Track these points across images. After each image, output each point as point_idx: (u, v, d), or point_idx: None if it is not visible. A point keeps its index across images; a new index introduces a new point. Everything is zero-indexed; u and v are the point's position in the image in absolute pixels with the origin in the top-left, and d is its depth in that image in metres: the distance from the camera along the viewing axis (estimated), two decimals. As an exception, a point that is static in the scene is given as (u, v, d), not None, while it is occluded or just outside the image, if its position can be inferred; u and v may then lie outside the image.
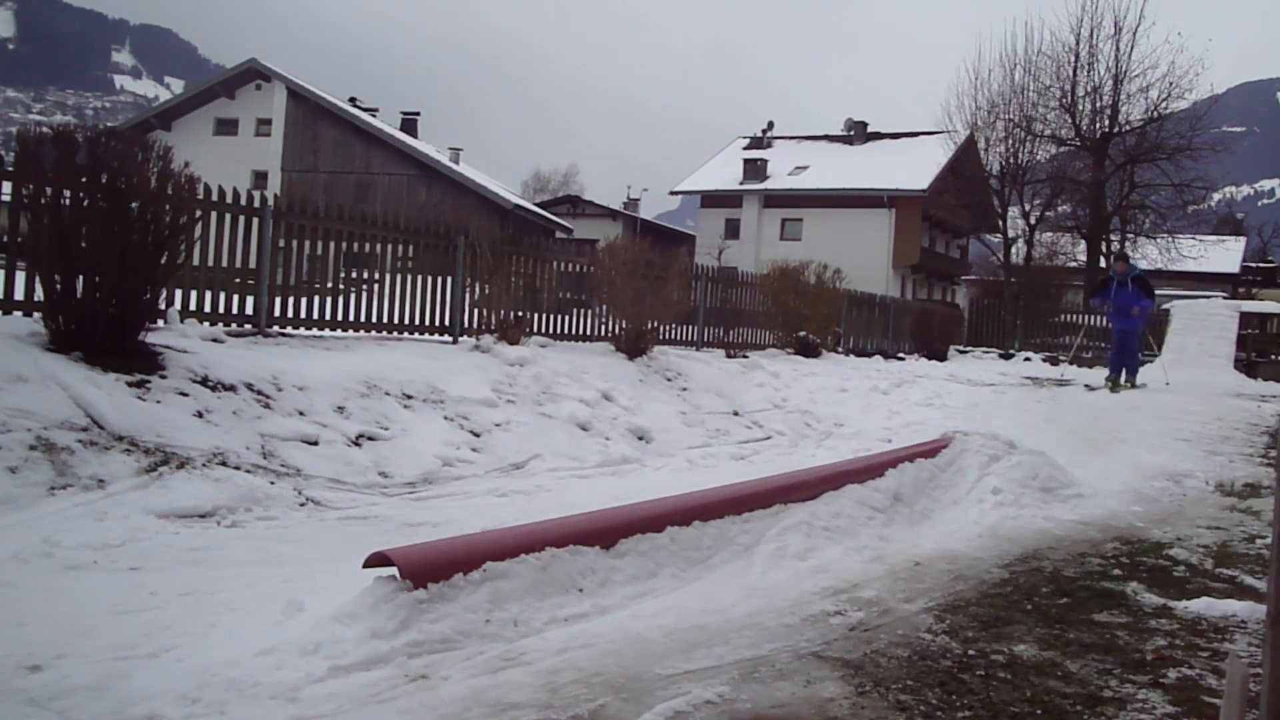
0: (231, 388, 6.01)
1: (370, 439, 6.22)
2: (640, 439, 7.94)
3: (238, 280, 8.17)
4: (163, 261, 5.98)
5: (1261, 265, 45.99)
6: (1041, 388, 13.32)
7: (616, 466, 7.09)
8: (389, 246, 9.51)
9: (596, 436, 7.62)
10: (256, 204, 8.25)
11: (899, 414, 10.62)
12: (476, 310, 9.94)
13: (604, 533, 3.73)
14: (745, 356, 12.48)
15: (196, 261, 7.50)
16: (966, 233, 38.40)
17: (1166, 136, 28.78)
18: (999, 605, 3.86)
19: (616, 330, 10.72)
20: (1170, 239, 31.30)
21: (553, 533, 3.59)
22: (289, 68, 37.91)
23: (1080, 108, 29.07)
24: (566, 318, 11.19)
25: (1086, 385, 12.97)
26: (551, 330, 10.78)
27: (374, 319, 9.13)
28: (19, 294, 6.32)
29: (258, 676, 2.55)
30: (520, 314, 10.00)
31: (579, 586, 3.41)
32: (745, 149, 47.40)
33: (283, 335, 8.11)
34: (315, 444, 5.83)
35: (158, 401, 5.49)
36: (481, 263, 9.92)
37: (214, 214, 7.81)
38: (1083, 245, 31.16)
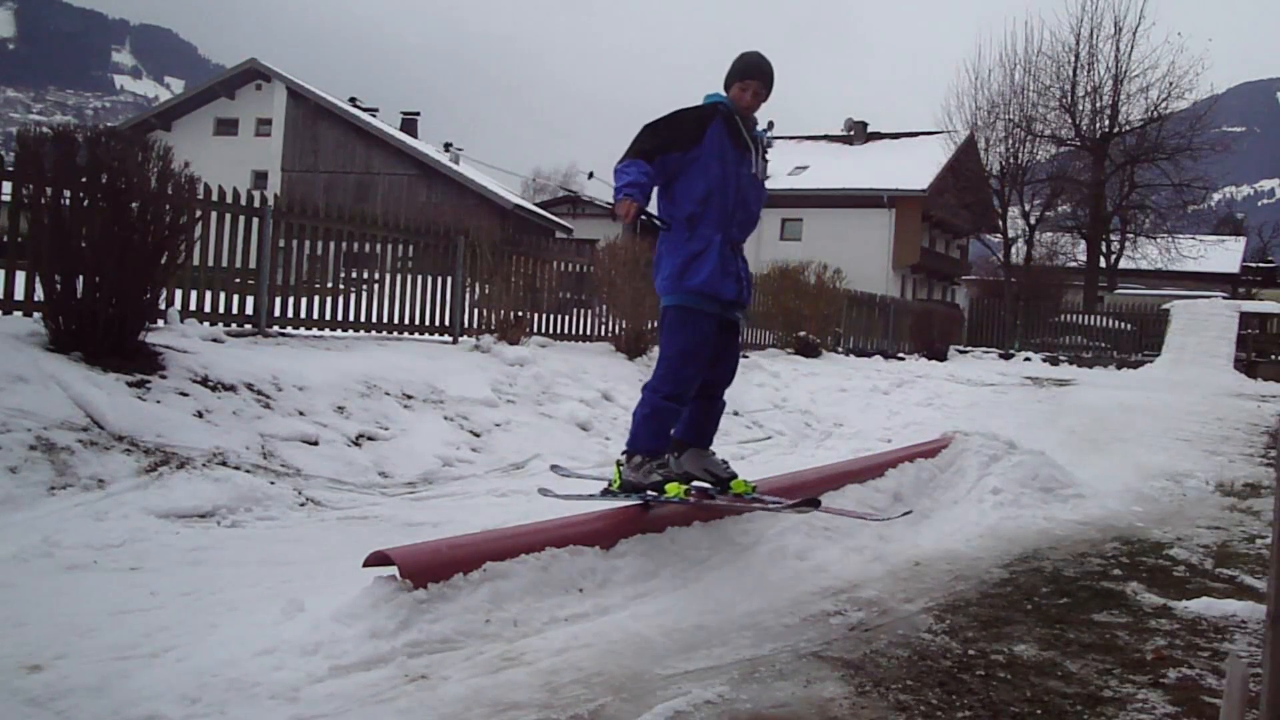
0: (231, 388, 6.01)
1: (370, 439, 6.22)
2: (640, 439, 7.93)
3: (238, 280, 8.17)
4: (163, 261, 5.98)
5: (1261, 265, 46.01)
6: (1041, 388, 13.31)
7: (616, 466, 7.08)
8: (389, 246, 9.51)
9: (596, 436, 7.61)
10: (256, 204, 8.26)
11: (899, 414, 10.62)
12: (476, 310, 9.94)
13: (604, 533, 3.73)
14: (745, 356, 12.47)
15: (196, 261, 7.51)
16: (966, 233, 38.46)
17: (1166, 136, 28.85)
18: (999, 605, 3.86)
19: (616, 330, 10.72)
20: (1170, 239, 31.37)
21: (553, 533, 3.59)
22: (289, 68, 37.89)
23: (1080, 108, 29.14)
24: (566, 318, 11.19)
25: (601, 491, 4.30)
26: (551, 330, 10.79)
27: (374, 319, 9.13)
28: (19, 294, 6.32)
29: (258, 677, 2.55)
30: (520, 314, 10.00)
31: (579, 586, 3.41)
32: (745, 149, 47.34)
33: (283, 335, 8.11)
34: (315, 444, 5.83)
35: (158, 401, 5.49)
36: (481, 263, 9.92)
37: (214, 214, 7.82)
38: (1083, 245, 31.22)
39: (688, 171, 3.97)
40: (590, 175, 37.44)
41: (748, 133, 4.12)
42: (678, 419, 4.11)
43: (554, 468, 5.43)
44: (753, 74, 4.13)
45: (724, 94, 4.12)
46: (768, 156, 4.31)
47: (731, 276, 4.00)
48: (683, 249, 3.98)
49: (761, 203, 4.22)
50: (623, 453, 4.12)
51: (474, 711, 2.50)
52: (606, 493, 4.12)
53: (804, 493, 4.51)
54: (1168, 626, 3.68)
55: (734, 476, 4.21)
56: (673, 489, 3.95)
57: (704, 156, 3.96)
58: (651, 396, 4.02)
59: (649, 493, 3.96)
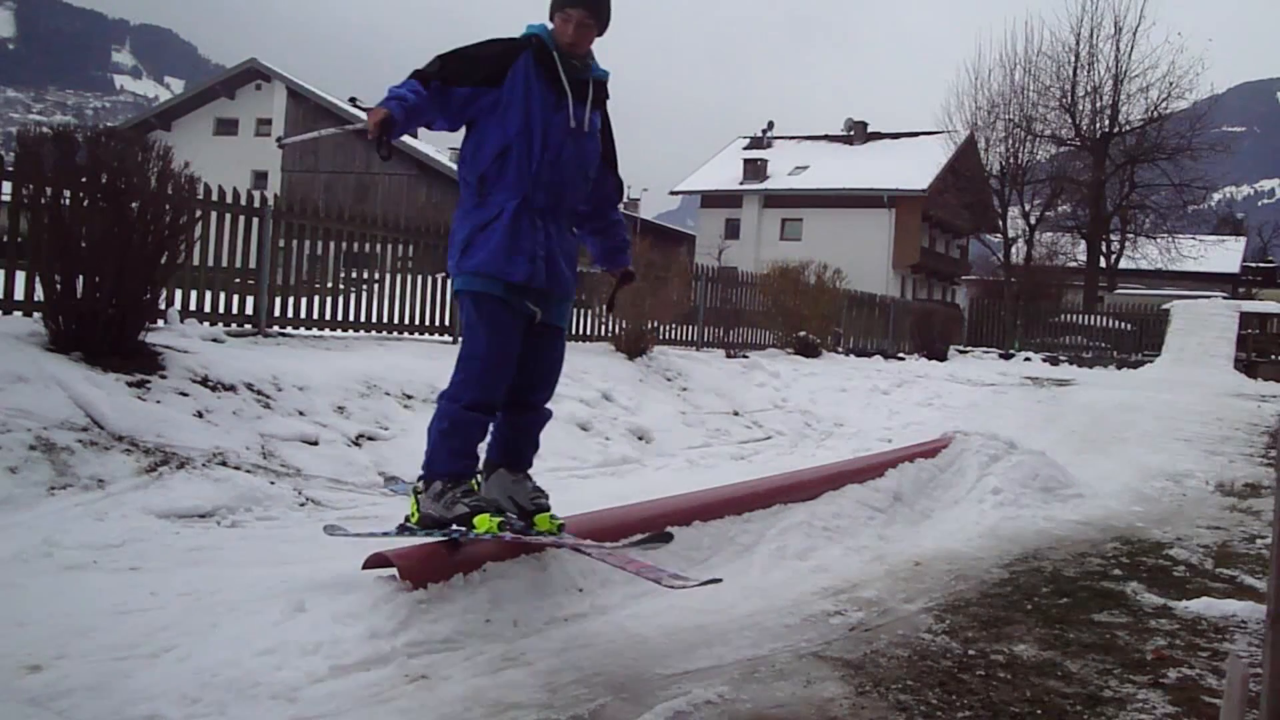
0: (231, 388, 6.01)
1: (370, 439, 6.22)
2: (640, 439, 7.94)
3: (238, 280, 8.17)
4: (163, 261, 5.98)
5: (1261, 265, 46.05)
6: (1041, 388, 13.32)
7: (616, 466, 7.08)
8: (389, 246, 9.51)
9: (596, 436, 7.61)
10: (256, 204, 8.26)
11: (899, 414, 10.62)
12: (476, 310, 9.92)
13: (604, 533, 3.72)
14: (745, 356, 12.48)
15: (196, 261, 7.51)
16: (966, 233, 38.49)
17: (1166, 136, 28.90)
18: (999, 605, 3.86)
19: (616, 330, 10.72)
20: (1170, 239, 31.40)
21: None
22: (289, 68, 37.95)
23: (1080, 108, 29.20)
24: (566, 318, 11.18)
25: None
26: (551, 330, 10.77)
27: (374, 319, 9.12)
28: (19, 294, 6.32)
29: (258, 676, 2.55)
30: (520, 314, 9.99)
31: (579, 586, 3.41)
32: (745, 149, 47.44)
33: (283, 335, 8.11)
34: (315, 444, 5.83)
35: (158, 401, 5.49)
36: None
37: (214, 214, 7.81)
38: (1083, 245, 31.24)
39: (484, 121, 3.21)
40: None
41: (569, 74, 3.25)
42: (485, 432, 3.38)
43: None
44: (581, 8, 3.24)
45: (548, 24, 3.30)
46: (603, 106, 3.42)
47: (523, 254, 3.16)
48: (469, 219, 3.23)
49: (586, 160, 3.33)
50: (419, 478, 3.37)
51: (474, 711, 2.50)
52: (404, 529, 3.36)
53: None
54: (1168, 626, 3.68)
55: (542, 510, 3.41)
56: (483, 523, 3.18)
57: (503, 102, 3.17)
58: (450, 407, 3.26)
59: (454, 528, 3.19)
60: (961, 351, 20.13)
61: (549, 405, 3.55)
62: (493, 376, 3.24)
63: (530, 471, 3.56)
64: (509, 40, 3.27)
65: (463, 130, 3.32)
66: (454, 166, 37.11)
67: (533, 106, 3.17)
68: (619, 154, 3.55)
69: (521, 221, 3.18)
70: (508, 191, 3.19)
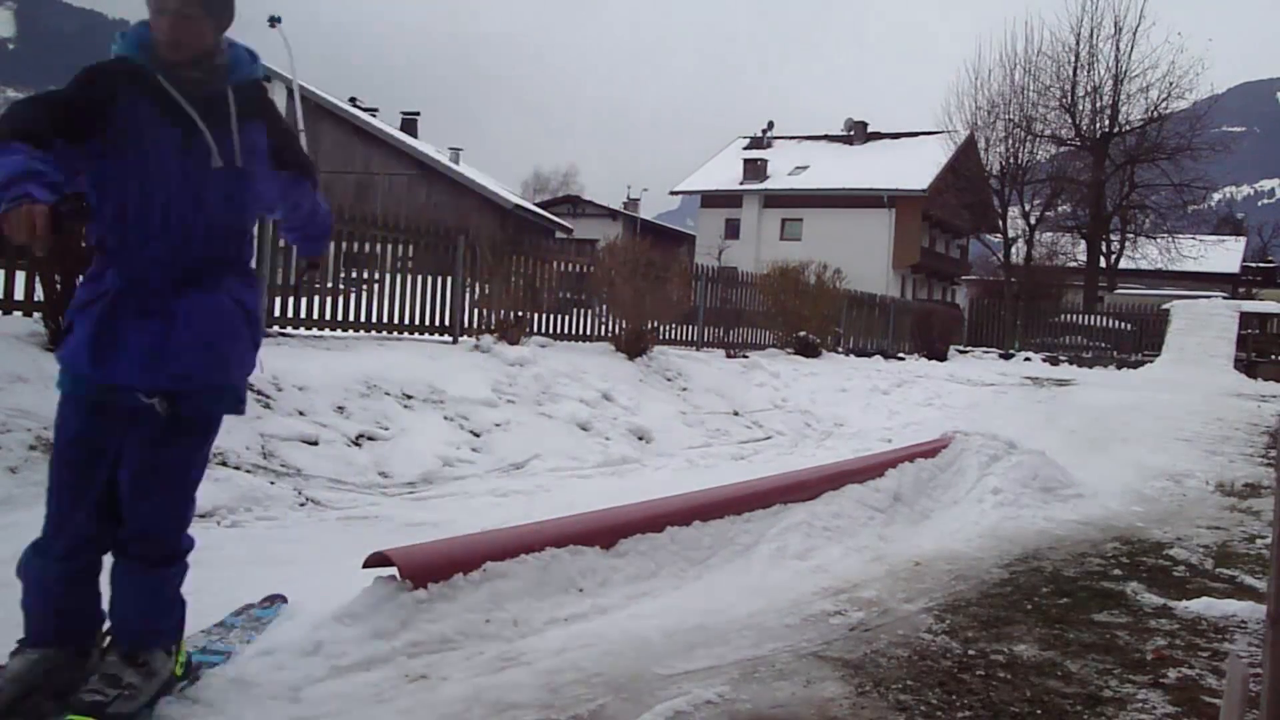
0: (231, 388, 6.01)
1: (370, 439, 6.22)
2: (640, 439, 7.94)
3: (238, 280, 8.15)
4: (163, 261, 5.97)
5: (1261, 265, 46.04)
6: (1041, 388, 13.32)
7: (616, 466, 7.08)
8: (389, 246, 9.50)
9: (596, 436, 7.61)
10: (256, 204, 8.25)
11: (899, 414, 10.63)
12: (476, 310, 9.94)
13: (604, 533, 3.73)
14: (745, 356, 12.48)
15: (196, 261, 7.49)
16: (966, 233, 38.48)
17: (1166, 136, 28.88)
18: (999, 605, 3.86)
19: (616, 330, 10.72)
20: (1170, 239, 31.39)
21: (553, 533, 3.59)
22: (289, 68, 37.87)
23: (1080, 108, 29.19)
24: (566, 318, 11.19)
25: None
26: (551, 330, 10.78)
27: (374, 319, 9.12)
28: (19, 294, 6.32)
29: (258, 677, 2.55)
30: (520, 314, 10.00)
31: (579, 586, 3.41)
32: (745, 149, 47.44)
33: (283, 335, 8.10)
34: (315, 444, 5.83)
35: (158, 401, 5.49)
36: (481, 263, 9.93)
37: (214, 214, 7.80)
38: (1083, 245, 31.23)
39: (94, 176, 2.27)
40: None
41: (187, 94, 2.29)
42: (73, 578, 2.36)
43: None
44: None
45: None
46: (257, 113, 2.42)
47: (116, 347, 2.24)
48: (78, 294, 2.35)
49: (234, 200, 2.37)
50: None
51: (474, 711, 2.51)
52: None
53: (804, 492, 4.34)
54: (1168, 626, 3.68)
55: (83, 713, 2.20)
56: None
57: (110, 154, 2.25)
58: (26, 555, 2.36)
59: None
60: (961, 351, 20.13)
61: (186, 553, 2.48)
62: (62, 508, 2.33)
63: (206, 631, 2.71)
64: (100, 68, 2.29)
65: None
66: (455, 166, 37.26)
67: (145, 153, 2.26)
68: (301, 153, 2.61)
69: (130, 299, 2.27)
70: (121, 264, 2.29)
